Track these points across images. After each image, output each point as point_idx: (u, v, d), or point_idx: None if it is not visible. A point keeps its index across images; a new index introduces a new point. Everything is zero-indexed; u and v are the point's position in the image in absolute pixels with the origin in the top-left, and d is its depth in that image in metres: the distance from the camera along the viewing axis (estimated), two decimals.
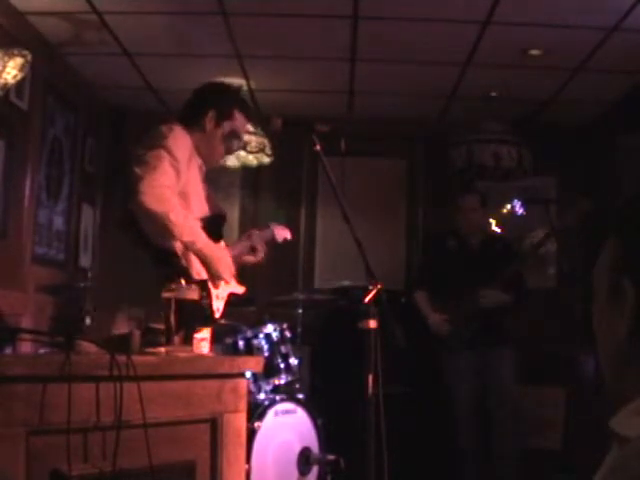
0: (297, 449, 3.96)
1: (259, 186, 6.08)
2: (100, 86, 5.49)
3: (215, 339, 3.97)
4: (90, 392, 1.91)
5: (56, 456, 1.82)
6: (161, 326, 2.66)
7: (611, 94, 5.27)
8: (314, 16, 4.27)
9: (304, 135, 2.82)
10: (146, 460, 1.93)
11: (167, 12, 4.26)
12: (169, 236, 2.70)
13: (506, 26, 4.27)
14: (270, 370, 4.04)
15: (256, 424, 3.74)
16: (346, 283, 5.21)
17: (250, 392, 3.84)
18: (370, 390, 2.52)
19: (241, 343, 4.11)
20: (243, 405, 2.35)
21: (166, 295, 2.39)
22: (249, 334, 4.15)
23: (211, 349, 2.90)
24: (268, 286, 5.30)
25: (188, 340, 2.40)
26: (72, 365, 1.84)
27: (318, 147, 2.74)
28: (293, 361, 4.18)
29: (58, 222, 5.05)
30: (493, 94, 5.34)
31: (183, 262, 2.76)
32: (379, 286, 2.60)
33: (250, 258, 3.21)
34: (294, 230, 5.91)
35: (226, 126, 3.00)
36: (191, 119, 2.98)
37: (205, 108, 2.98)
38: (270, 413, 3.87)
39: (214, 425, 2.26)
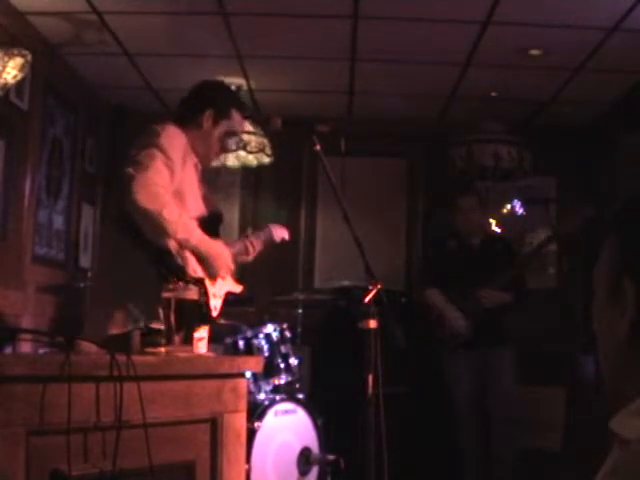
0: (297, 449, 3.96)
1: (259, 186, 6.08)
2: (100, 86, 5.49)
3: (215, 339, 3.98)
4: (90, 392, 1.91)
5: (56, 456, 1.82)
6: (160, 326, 2.66)
7: (611, 94, 5.27)
8: (314, 16, 4.27)
9: (304, 135, 2.82)
10: (146, 460, 1.93)
11: (167, 12, 4.26)
12: (163, 234, 2.69)
13: (506, 26, 4.27)
14: (270, 370, 4.04)
15: (256, 424, 3.74)
16: (346, 283, 5.21)
17: (250, 392, 3.84)
18: (370, 390, 2.52)
19: (241, 343, 4.11)
20: (243, 405, 2.35)
21: (166, 295, 2.39)
22: (249, 334, 4.15)
23: (208, 348, 2.90)
24: (268, 286, 5.30)
25: (188, 340, 2.40)
26: (72, 365, 1.84)
27: (318, 147, 2.74)
28: (293, 361, 4.18)
29: (58, 222, 5.05)
30: (493, 94, 5.34)
31: (178, 260, 2.75)
32: (379, 286, 2.60)
33: (243, 258, 3.21)
34: (294, 230, 5.94)
35: (223, 125, 3.00)
36: (188, 117, 2.97)
37: (203, 106, 2.97)
38: (270, 413, 3.87)
39: (214, 425, 2.26)
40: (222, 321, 3.96)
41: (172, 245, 2.74)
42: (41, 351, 3.71)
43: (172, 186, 2.75)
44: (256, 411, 3.79)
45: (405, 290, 5.75)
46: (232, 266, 2.97)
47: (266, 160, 5.24)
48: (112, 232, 2.94)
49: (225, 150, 3.17)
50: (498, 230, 5.30)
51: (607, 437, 0.83)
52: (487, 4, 4.00)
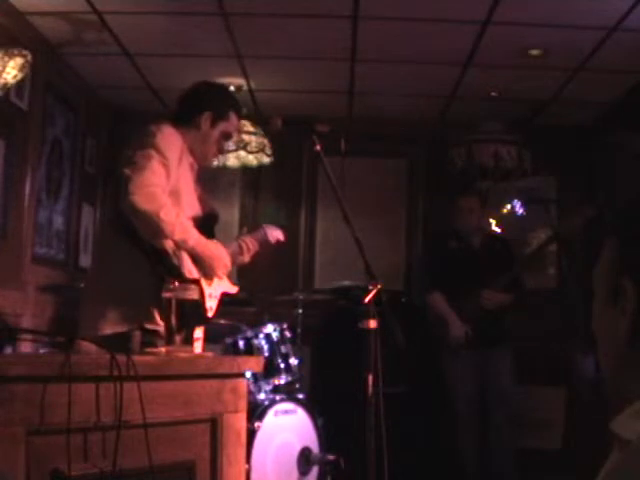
0: (297, 449, 3.96)
1: (259, 186, 6.08)
2: (100, 86, 5.49)
3: (215, 339, 3.98)
4: (90, 392, 1.91)
5: (56, 456, 1.82)
6: (154, 327, 2.66)
7: (611, 94, 5.27)
8: (314, 16, 4.27)
9: (304, 135, 2.82)
10: (146, 460, 1.93)
11: (167, 12, 4.26)
12: (160, 235, 2.69)
13: (506, 26, 4.27)
14: (270, 370, 4.05)
15: (256, 424, 3.74)
16: (346, 283, 5.21)
17: (250, 392, 3.84)
18: (370, 390, 2.52)
19: (241, 343, 4.11)
20: (243, 405, 2.35)
21: (166, 295, 2.39)
22: (249, 334, 4.15)
23: (204, 348, 2.90)
24: (268, 286, 5.30)
25: (188, 340, 2.40)
26: (72, 365, 1.84)
27: (318, 147, 2.74)
28: (293, 361, 4.18)
29: (58, 222, 5.05)
30: (493, 94, 5.34)
31: (174, 261, 2.75)
32: (379, 286, 2.60)
33: (238, 259, 3.20)
34: (294, 230, 5.96)
35: (221, 127, 2.99)
36: (186, 118, 2.96)
37: (201, 108, 2.97)
38: (270, 413, 3.87)
39: (214, 425, 2.26)
40: (222, 321, 3.97)
41: (168, 245, 2.73)
42: (41, 351, 3.71)
43: (168, 186, 2.75)
44: (256, 411, 3.79)
45: (405, 290, 5.75)
46: (229, 266, 2.97)
47: (266, 160, 5.24)
48: (107, 231, 2.93)
49: (222, 151, 3.17)
50: (498, 230, 5.30)
51: (607, 437, 0.83)
52: (487, 4, 4.00)
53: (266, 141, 5.15)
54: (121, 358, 1.95)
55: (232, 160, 5.20)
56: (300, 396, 4.17)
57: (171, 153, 2.77)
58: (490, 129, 5.40)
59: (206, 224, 2.95)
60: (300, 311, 4.69)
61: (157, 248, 2.72)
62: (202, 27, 4.43)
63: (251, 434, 3.65)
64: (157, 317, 2.67)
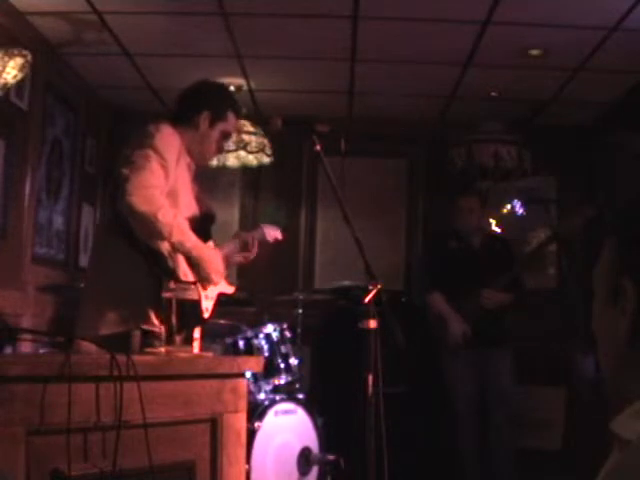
0: (297, 449, 3.96)
1: (259, 186, 6.08)
2: (100, 86, 5.49)
3: (215, 339, 3.99)
4: (90, 392, 1.91)
5: (56, 456, 1.82)
6: (152, 327, 2.66)
7: (611, 94, 5.27)
8: (314, 16, 4.27)
9: (304, 135, 2.82)
10: (146, 460, 1.93)
11: (167, 12, 4.26)
12: (157, 236, 2.68)
13: (506, 26, 4.27)
14: (270, 370, 4.05)
15: (256, 424, 3.74)
16: (346, 283, 5.21)
17: (250, 392, 3.84)
18: (370, 390, 2.52)
19: (241, 343, 4.11)
20: (243, 405, 2.35)
21: (167, 295, 2.39)
22: (249, 334, 4.15)
23: (201, 348, 2.89)
24: (268, 286, 5.30)
25: (188, 340, 2.40)
26: (72, 365, 1.84)
27: (318, 147, 2.74)
28: (293, 361, 4.18)
29: (58, 222, 5.05)
30: (493, 94, 5.34)
31: (170, 263, 2.74)
32: (379, 286, 2.60)
33: (239, 258, 3.18)
34: (294, 230, 5.96)
35: (219, 127, 2.99)
36: (184, 117, 2.96)
37: (199, 108, 2.96)
38: (270, 413, 3.87)
39: (214, 425, 2.26)
40: (222, 321, 3.97)
41: (164, 247, 2.72)
42: (41, 351, 3.72)
43: (166, 186, 2.74)
44: (256, 411, 3.79)
45: (405, 290, 5.75)
46: (223, 272, 2.95)
47: (266, 160, 5.24)
48: (105, 232, 2.92)
49: (220, 151, 3.17)
50: (498, 230, 5.30)
51: (607, 437, 0.83)
52: (487, 4, 4.00)
53: (266, 141, 5.15)
54: (121, 358, 1.95)
55: (232, 160, 5.20)
56: (300, 396, 4.17)
57: (169, 154, 2.76)
58: (490, 129, 5.40)
59: (203, 224, 2.94)
60: (300, 311, 4.69)
61: (153, 249, 2.71)
62: (202, 27, 4.43)
63: (251, 434, 3.65)
64: (153, 318, 2.67)
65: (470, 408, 4.67)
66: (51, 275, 4.89)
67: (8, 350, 3.44)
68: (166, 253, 2.73)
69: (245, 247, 3.14)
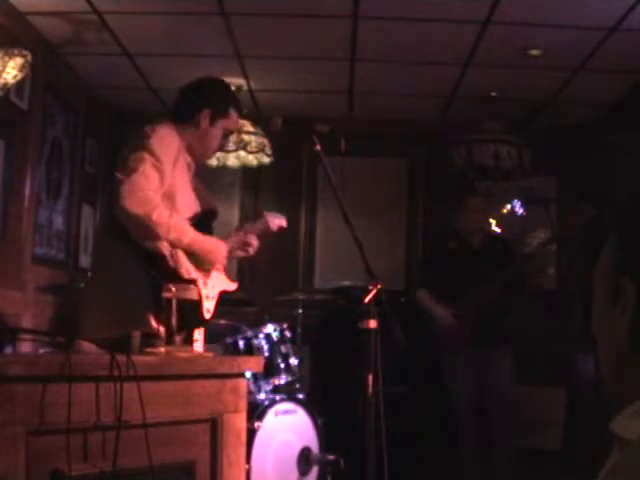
0: (297, 449, 3.96)
1: (259, 186, 6.08)
2: (100, 86, 5.49)
3: (215, 339, 3.98)
4: (90, 392, 1.91)
5: (56, 456, 1.82)
6: (153, 330, 2.65)
7: (611, 94, 5.26)
8: (314, 16, 4.27)
9: (304, 135, 2.82)
10: (146, 460, 1.93)
11: (167, 12, 4.26)
12: (154, 237, 2.67)
13: (506, 26, 4.27)
14: (270, 370, 4.04)
15: (256, 424, 3.74)
16: (346, 283, 5.21)
17: (250, 392, 3.84)
18: (370, 390, 2.52)
19: (241, 343, 4.11)
20: (243, 405, 2.35)
21: (167, 295, 2.39)
22: (249, 334, 4.15)
23: (205, 349, 2.88)
24: (268, 286, 5.30)
25: (188, 340, 2.40)
26: (72, 365, 1.84)
27: (318, 147, 2.74)
28: (293, 361, 4.18)
29: (58, 222, 5.05)
30: (493, 94, 5.34)
31: (171, 263, 2.73)
32: (379, 286, 2.60)
33: (241, 253, 3.16)
34: (294, 230, 5.95)
35: (220, 124, 2.99)
36: (185, 115, 2.95)
37: (200, 105, 2.95)
38: (270, 413, 3.87)
39: (214, 425, 2.26)
40: (222, 321, 3.97)
41: (164, 247, 2.72)
42: (41, 351, 3.71)
43: (162, 189, 2.73)
44: (256, 411, 3.79)
45: (405, 290, 5.75)
46: (226, 259, 2.93)
47: (266, 160, 5.24)
48: (104, 234, 2.92)
49: (221, 149, 3.16)
50: (498, 230, 5.30)
51: (607, 437, 0.83)
52: (487, 4, 4.00)
53: (266, 141, 5.15)
54: (121, 358, 1.95)
55: (232, 160, 5.20)
56: (300, 396, 4.17)
57: (165, 155, 2.75)
58: (490, 129, 5.39)
59: (204, 220, 2.93)
60: (300, 311, 4.69)
61: (151, 251, 2.71)
62: (202, 27, 4.43)
63: (251, 434, 3.65)
64: (153, 321, 2.66)
65: (470, 408, 4.66)
66: (51, 275, 4.89)
67: (8, 350, 3.44)
68: (167, 253, 2.72)
69: (245, 245, 3.11)
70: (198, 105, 2.95)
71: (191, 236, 2.75)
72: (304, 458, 3.97)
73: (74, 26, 4.41)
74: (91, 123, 5.56)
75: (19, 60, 3.66)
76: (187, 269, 2.77)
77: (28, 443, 1.79)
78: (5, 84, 3.69)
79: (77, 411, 1.85)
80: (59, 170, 5.04)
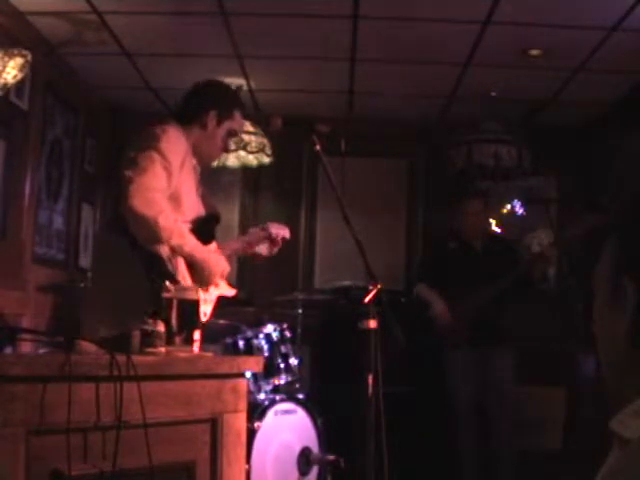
0: (297, 449, 3.96)
1: (259, 186, 6.08)
2: (100, 86, 5.49)
3: (215, 339, 3.98)
4: (90, 392, 1.91)
5: (56, 456, 1.82)
6: (153, 327, 2.65)
7: (611, 94, 5.26)
8: (314, 16, 4.27)
9: (304, 135, 2.82)
10: (146, 460, 1.93)
11: (167, 12, 4.26)
12: (156, 240, 2.67)
13: (506, 26, 4.27)
14: (270, 370, 4.04)
15: (256, 424, 3.74)
16: (346, 283, 5.21)
17: (250, 392, 3.84)
18: (370, 390, 2.52)
19: (241, 343, 4.11)
20: (243, 405, 2.35)
21: (167, 295, 2.39)
22: (249, 334, 4.15)
23: (201, 350, 2.88)
24: (268, 286, 5.30)
25: (188, 340, 2.40)
26: (72, 365, 1.84)
27: (318, 147, 2.74)
28: (293, 361, 4.18)
29: (58, 222, 5.05)
30: (493, 94, 5.34)
31: (169, 267, 2.73)
32: (379, 286, 2.60)
33: (263, 250, 3.15)
34: (294, 230, 5.94)
35: (226, 125, 3.00)
36: (191, 117, 2.96)
37: (206, 107, 2.96)
38: (270, 413, 3.87)
39: (214, 425, 2.25)
40: (222, 321, 3.97)
41: (164, 251, 2.72)
42: (41, 351, 3.71)
43: (169, 190, 2.74)
44: (256, 411, 3.79)
45: (405, 290, 5.75)
46: (226, 272, 2.94)
47: (266, 160, 5.24)
48: (107, 232, 2.92)
49: (227, 150, 3.17)
50: (498, 230, 5.30)
51: (607, 437, 0.83)
52: (487, 4, 4.00)
53: (266, 141, 5.15)
54: (121, 358, 1.95)
55: (232, 160, 5.20)
56: (300, 396, 4.17)
57: (174, 157, 2.75)
58: (490, 129, 5.39)
59: (207, 225, 2.94)
60: (300, 311, 4.69)
61: (151, 253, 2.71)
62: (202, 27, 4.43)
63: (251, 434, 3.65)
64: (152, 320, 2.66)
65: (470, 408, 4.67)
66: (51, 275, 4.89)
67: (8, 350, 3.43)
68: (165, 257, 2.72)
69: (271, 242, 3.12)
70: (205, 106, 2.96)
71: (192, 245, 2.75)
72: (304, 458, 3.97)
73: (74, 26, 4.41)
74: (91, 123, 5.56)
75: (19, 60, 3.66)
76: (183, 275, 2.76)
77: (28, 443, 1.78)
78: (5, 84, 3.69)
79: (77, 411, 1.85)
80: (59, 170, 5.04)
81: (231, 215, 5.93)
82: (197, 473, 2.20)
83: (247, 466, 3.40)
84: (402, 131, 5.98)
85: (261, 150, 5.14)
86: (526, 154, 5.37)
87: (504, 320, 4.73)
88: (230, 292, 3.03)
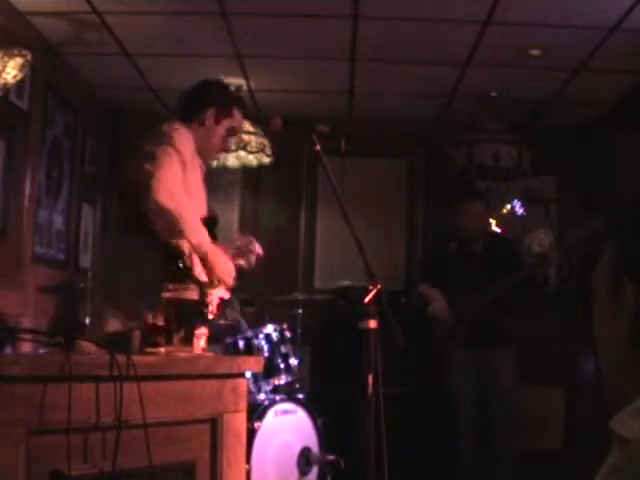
0: (297, 449, 3.96)
1: (259, 186, 6.08)
2: (100, 86, 5.49)
3: (215, 339, 3.98)
4: (90, 392, 1.91)
5: (56, 456, 1.82)
6: (160, 323, 2.65)
7: (611, 94, 5.26)
8: (314, 16, 4.27)
9: (304, 135, 2.82)
10: (146, 460, 1.93)
11: (167, 12, 4.26)
12: (179, 234, 2.70)
13: (506, 26, 4.27)
14: (270, 370, 4.04)
15: (256, 424, 3.74)
16: (346, 283, 5.21)
17: (250, 392, 3.84)
18: (370, 390, 2.52)
19: (241, 343, 4.11)
20: (243, 405, 2.35)
21: (166, 295, 2.39)
22: (249, 334, 4.15)
23: (207, 348, 2.89)
24: (268, 286, 5.30)
25: (188, 340, 2.40)
26: (72, 365, 1.84)
27: (318, 147, 2.74)
28: (293, 361, 4.18)
29: (58, 222, 5.05)
30: (493, 94, 5.34)
31: (188, 262, 2.75)
32: (379, 286, 2.60)
33: (241, 262, 3.16)
34: (294, 230, 5.96)
35: (225, 123, 3.03)
36: (191, 116, 2.99)
37: (205, 105, 3.01)
38: (270, 413, 3.87)
39: (214, 425, 2.26)
40: (222, 321, 3.96)
41: (185, 246, 2.74)
42: (41, 351, 3.71)
43: (183, 185, 2.78)
44: (256, 411, 3.79)
45: (405, 290, 5.75)
46: (234, 274, 2.96)
47: (266, 160, 5.24)
48: (116, 232, 2.93)
49: (226, 149, 3.20)
50: (498, 230, 5.30)
51: (607, 437, 0.83)
52: (487, 4, 4.00)
53: (266, 141, 5.15)
54: (121, 358, 1.95)
55: (232, 160, 5.20)
56: (300, 396, 4.17)
57: (187, 153, 2.82)
58: (490, 129, 5.40)
59: (209, 227, 2.95)
60: (300, 311, 4.69)
61: (171, 247, 2.73)
62: (202, 27, 4.43)
63: (251, 434, 3.65)
64: (157, 316, 2.66)
65: (470, 408, 4.66)
66: (51, 275, 4.89)
67: (8, 350, 3.43)
68: (186, 251, 2.74)
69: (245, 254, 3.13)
70: (203, 104, 3.00)
71: (209, 246, 2.78)
72: (304, 458, 3.97)
73: (74, 26, 4.41)
74: (91, 123, 5.56)
75: (19, 60, 3.66)
76: (199, 272, 2.79)
77: (28, 443, 1.79)
78: (5, 84, 3.69)
79: (77, 411, 1.85)
80: (59, 170, 5.04)
81: (231, 215, 5.93)
82: (197, 473, 2.20)
83: (247, 466, 3.40)
84: (402, 131, 5.98)
85: (261, 150, 5.14)
86: (526, 154, 5.37)
87: (504, 320, 4.73)
88: (226, 295, 3.04)
